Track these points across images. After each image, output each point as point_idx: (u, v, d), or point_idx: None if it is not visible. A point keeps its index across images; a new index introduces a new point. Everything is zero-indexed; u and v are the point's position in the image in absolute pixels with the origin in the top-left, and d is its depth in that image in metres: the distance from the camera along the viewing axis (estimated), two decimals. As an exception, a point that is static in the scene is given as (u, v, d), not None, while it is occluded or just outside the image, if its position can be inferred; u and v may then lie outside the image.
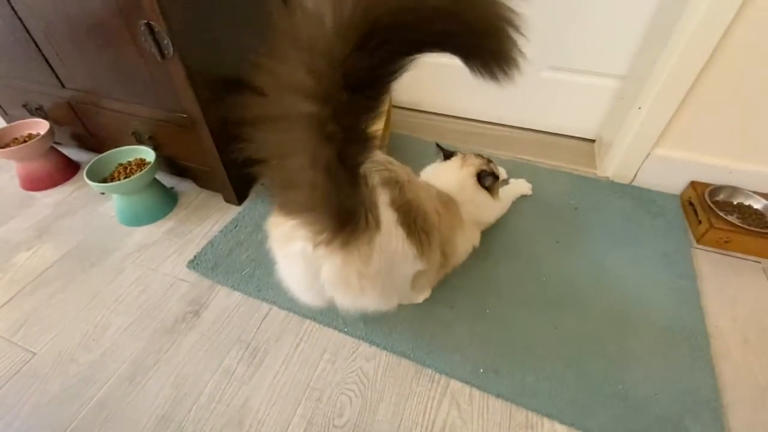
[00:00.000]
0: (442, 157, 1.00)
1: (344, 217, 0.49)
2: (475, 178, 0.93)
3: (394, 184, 0.62)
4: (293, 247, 0.56)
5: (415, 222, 0.63)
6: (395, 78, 0.41)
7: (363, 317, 0.86)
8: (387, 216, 0.58)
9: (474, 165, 0.95)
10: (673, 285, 0.92)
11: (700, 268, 0.97)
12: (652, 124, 1.08)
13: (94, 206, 1.19)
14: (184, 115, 0.99)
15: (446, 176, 0.93)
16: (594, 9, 1.13)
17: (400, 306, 0.88)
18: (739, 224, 0.98)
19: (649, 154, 1.14)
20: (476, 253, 0.99)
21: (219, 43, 0.96)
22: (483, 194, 0.95)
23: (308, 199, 0.47)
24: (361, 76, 0.39)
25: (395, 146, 1.35)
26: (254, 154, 0.45)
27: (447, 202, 0.84)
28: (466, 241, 0.92)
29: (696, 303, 0.88)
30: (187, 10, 0.85)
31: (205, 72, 0.94)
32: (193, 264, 0.98)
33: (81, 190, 1.26)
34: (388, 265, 0.59)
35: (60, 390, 0.77)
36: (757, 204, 1.05)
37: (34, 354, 0.83)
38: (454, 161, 0.97)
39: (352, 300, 0.61)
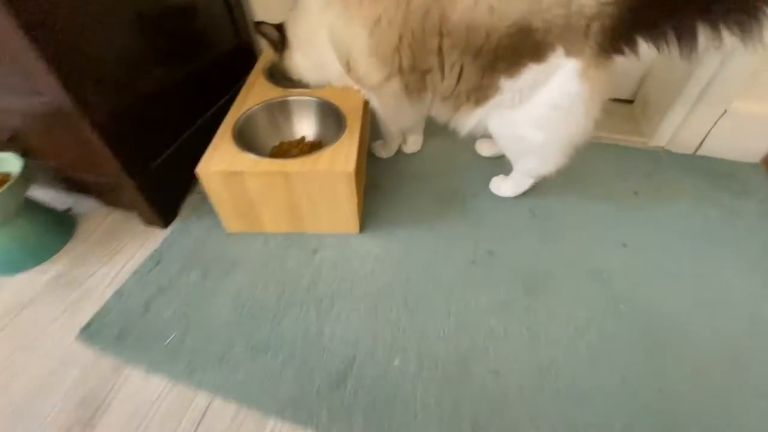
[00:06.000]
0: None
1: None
2: None
3: None
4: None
5: None
6: None
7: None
8: None
9: None
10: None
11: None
12: (735, 67, 0.78)
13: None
14: (46, 100, 0.62)
15: None
16: None
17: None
18: None
19: (725, 111, 0.84)
20: (533, 289, 0.68)
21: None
22: None
23: None
24: None
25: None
26: None
27: None
28: None
29: None
30: None
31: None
32: (89, 332, 0.64)
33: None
34: None
35: None
36: None
37: None
38: None
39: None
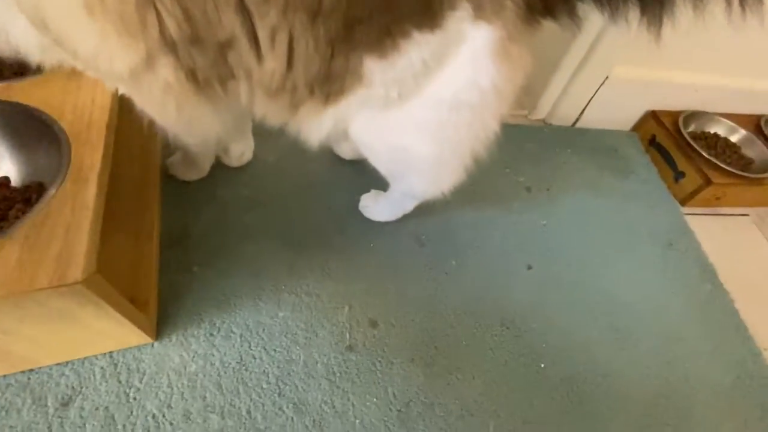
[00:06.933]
0: None
1: None
2: None
3: None
4: None
5: None
6: None
7: None
8: None
9: None
10: (699, 296, 0.60)
11: (706, 247, 0.67)
12: (618, 30, 0.66)
13: None
14: None
15: None
16: None
17: None
18: (739, 173, 0.69)
19: (607, 77, 0.74)
20: (426, 324, 0.47)
21: None
22: None
23: None
24: None
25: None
26: None
27: None
28: None
29: (739, 324, 0.58)
30: None
31: None
32: None
33: None
34: None
35: None
36: (734, 135, 0.78)
37: None
38: None
39: None
